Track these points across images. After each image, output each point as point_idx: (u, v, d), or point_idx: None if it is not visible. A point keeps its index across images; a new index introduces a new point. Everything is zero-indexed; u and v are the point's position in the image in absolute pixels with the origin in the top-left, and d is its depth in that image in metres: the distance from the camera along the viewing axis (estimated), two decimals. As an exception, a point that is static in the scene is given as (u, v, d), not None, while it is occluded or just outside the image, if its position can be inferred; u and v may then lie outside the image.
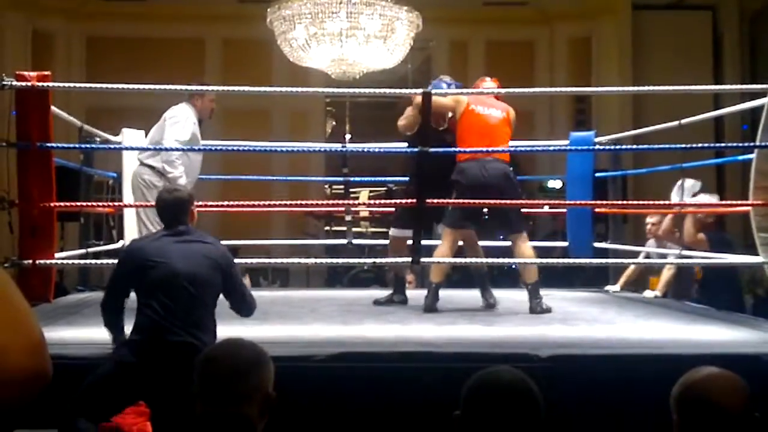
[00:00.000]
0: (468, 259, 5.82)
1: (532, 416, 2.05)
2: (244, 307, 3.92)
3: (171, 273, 3.63)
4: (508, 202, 5.46)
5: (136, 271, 3.70)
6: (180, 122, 5.67)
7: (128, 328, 3.80)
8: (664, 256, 6.96)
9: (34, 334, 1.16)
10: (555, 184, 10.66)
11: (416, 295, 6.13)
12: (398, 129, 6.00)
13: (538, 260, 5.71)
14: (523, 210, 6.27)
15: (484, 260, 5.69)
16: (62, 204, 5.18)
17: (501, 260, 5.87)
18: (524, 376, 2.12)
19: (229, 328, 3.81)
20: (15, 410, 1.11)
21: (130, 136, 6.60)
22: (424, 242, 5.94)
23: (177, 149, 5.54)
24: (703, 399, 2.14)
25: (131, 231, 6.36)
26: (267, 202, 5.66)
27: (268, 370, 2.23)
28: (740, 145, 7.00)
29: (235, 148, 6.75)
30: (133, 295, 3.77)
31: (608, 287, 7.30)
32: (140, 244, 3.93)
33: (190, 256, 3.68)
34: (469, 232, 5.80)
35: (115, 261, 4.72)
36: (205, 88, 5.59)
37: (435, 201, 5.13)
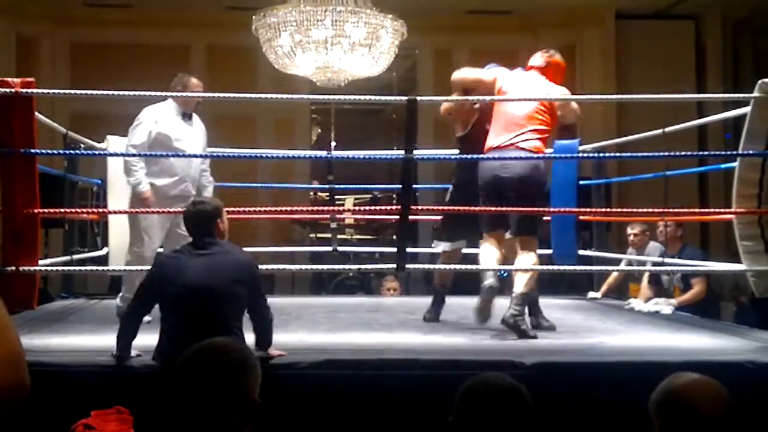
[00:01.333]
0: (460, 266, 5.74)
1: (524, 422, 2.06)
2: (261, 324, 3.90)
3: (188, 289, 3.65)
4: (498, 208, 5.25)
5: (159, 286, 3.75)
6: (137, 126, 5.55)
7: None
8: (644, 263, 7.00)
9: (12, 347, 1.15)
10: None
11: (402, 302, 6.13)
12: (441, 115, 5.72)
13: (536, 268, 5.43)
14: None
15: (489, 267, 5.55)
16: (46, 210, 5.16)
17: (506, 267, 5.68)
18: (516, 382, 2.13)
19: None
20: None
21: (114, 144, 6.58)
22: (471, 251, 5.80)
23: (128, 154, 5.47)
24: (686, 406, 2.15)
25: (116, 238, 6.34)
26: (252, 209, 5.64)
27: (253, 376, 2.06)
28: (723, 153, 7.04)
29: (219, 154, 6.74)
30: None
31: (590, 294, 7.33)
32: (164, 257, 3.97)
33: (209, 271, 3.69)
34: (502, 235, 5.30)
35: (100, 267, 4.71)
36: (189, 94, 5.56)
37: (420, 207, 5.14)
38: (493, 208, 5.11)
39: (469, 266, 5.49)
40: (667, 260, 6.43)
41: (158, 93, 5.30)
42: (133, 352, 3.95)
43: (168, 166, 5.54)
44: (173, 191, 5.54)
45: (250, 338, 3.94)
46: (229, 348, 2.10)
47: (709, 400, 2.15)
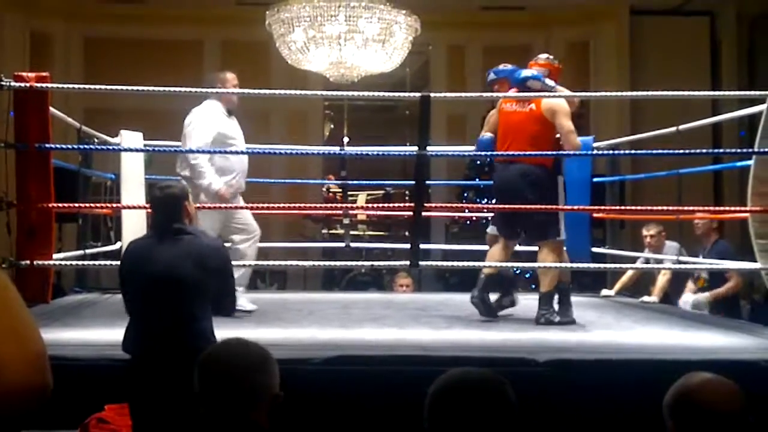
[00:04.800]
0: (472, 263, 5.75)
1: (504, 418, 1.92)
2: (224, 314, 3.81)
3: (153, 277, 3.51)
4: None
5: (126, 274, 3.64)
6: (196, 128, 5.58)
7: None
8: (660, 261, 6.98)
9: (35, 347, 1.15)
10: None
11: (414, 298, 6.13)
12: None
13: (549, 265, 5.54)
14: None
15: (487, 264, 5.61)
16: (60, 205, 5.18)
17: (515, 263, 5.71)
18: (496, 375, 1.99)
19: (224, 331, 3.80)
20: (16, 421, 1.10)
21: (128, 138, 6.59)
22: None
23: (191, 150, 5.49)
24: (700, 406, 2.14)
25: (129, 232, 6.35)
26: (265, 205, 5.65)
27: (275, 370, 2.15)
28: (738, 151, 7.01)
29: (232, 150, 6.74)
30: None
31: (603, 291, 7.30)
32: (131, 245, 3.77)
33: (174, 258, 3.53)
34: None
35: (114, 262, 4.72)
36: (200, 89, 5.55)
37: (433, 205, 5.13)
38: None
39: (481, 263, 5.47)
40: (683, 258, 6.43)
41: (171, 89, 5.30)
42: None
43: (226, 164, 5.62)
44: (231, 189, 5.64)
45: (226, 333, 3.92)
46: (248, 346, 2.15)
47: (723, 400, 2.14)
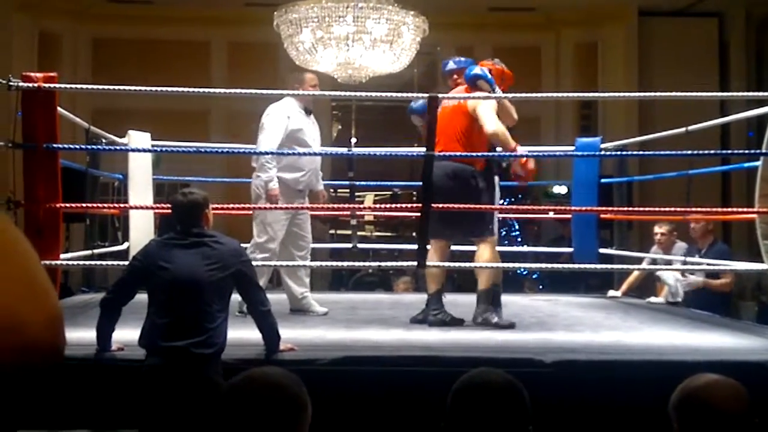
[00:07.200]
0: (469, 264, 5.73)
1: (520, 418, 2.03)
2: (258, 315, 3.89)
3: (173, 279, 3.65)
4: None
5: (144, 274, 3.74)
6: (266, 130, 5.72)
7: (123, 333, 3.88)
8: (668, 262, 6.98)
9: (53, 309, 1.19)
10: (560, 189, 10.66)
11: (421, 299, 6.10)
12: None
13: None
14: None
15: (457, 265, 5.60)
16: (68, 205, 5.19)
17: (464, 264, 5.65)
18: (511, 377, 2.10)
19: (232, 332, 3.82)
20: (30, 378, 1.13)
21: (136, 139, 6.61)
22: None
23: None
24: (705, 406, 2.14)
25: (136, 232, 6.37)
26: (271, 205, 5.65)
27: (307, 415, 1.84)
28: (747, 152, 6.99)
29: (240, 150, 6.75)
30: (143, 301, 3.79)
31: (610, 292, 7.29)
32: (152, 246, 3.89)
33: (194, 261, 3.68)
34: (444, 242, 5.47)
35: (121, 262, 4.73)
36: (211, 90, 5.57)
37: (441, 206, 5.09)
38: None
39: (497, 264, 5.45)
40: (690, 259, 6.42)
41: (178, 89, 5.30)
42: (114, 346, 3.98)
43: (297, 161, 5.74)
44: (300, 185, 5.79)
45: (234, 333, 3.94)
46: (281, 385, 1.85)
47: (729, 401, 2.14)
